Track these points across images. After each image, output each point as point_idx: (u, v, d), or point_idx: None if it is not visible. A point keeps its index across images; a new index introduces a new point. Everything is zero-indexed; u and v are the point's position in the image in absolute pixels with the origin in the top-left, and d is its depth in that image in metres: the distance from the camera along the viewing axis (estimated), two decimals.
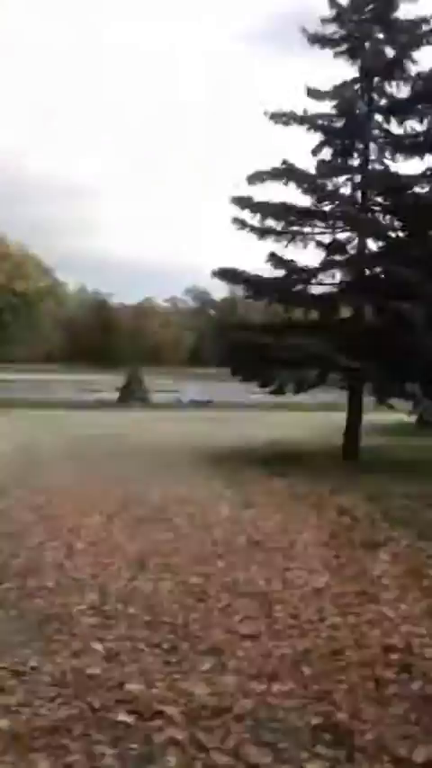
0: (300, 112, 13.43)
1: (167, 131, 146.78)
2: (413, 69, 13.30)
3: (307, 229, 13.79)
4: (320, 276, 13.97)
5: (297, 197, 13.58)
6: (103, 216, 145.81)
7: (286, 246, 13.71)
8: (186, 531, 7.40)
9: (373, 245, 13.96)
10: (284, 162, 13.35)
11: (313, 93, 13.67)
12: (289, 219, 13.62)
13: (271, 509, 8.64)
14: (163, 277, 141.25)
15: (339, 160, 13.95)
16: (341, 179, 13.87)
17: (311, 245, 13.77)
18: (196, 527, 7.60)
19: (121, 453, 13.89)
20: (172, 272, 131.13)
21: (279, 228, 13.62)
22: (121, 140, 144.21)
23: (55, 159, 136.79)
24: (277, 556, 6.45)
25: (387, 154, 13.79)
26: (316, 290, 14.18)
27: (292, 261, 13.81)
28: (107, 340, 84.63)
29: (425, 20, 13.02)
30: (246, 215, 13.41)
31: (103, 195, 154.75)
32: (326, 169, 13.74)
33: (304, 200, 13.67)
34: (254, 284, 14.18)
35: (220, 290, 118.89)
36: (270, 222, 13.53)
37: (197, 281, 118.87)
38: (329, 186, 13.80)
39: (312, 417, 24.44)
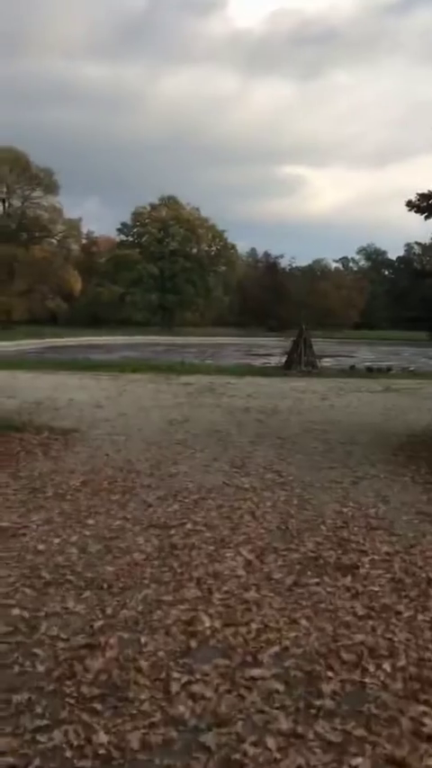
0: None
1: None
2: None
3: None
4: None
5: None
6: (274, 177, 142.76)
7: None
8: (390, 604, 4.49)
9: None
10: None
11: None
12: None
13: None
14: (335, 237, 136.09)
15: None
16: None
17: None
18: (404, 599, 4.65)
19: (282, 437, 11.18)
20: (344, 231, 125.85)
21: None
22: None
23: (235, 123, 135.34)
24: None
25: None
26: None
27: None
28: (277, 303, 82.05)
29: None
30: None
31: (276, 156, 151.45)
32: None
33: None
34: None
35: (395, 249, 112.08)
36: None
37: (371, 239, 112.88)
38: None
39: None
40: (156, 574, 4.88)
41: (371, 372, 27.57)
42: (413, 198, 10.96)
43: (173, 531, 5.83)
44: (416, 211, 10.97)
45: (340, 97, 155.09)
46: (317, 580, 4.79)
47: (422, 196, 10.64)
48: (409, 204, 10.94)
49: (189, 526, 5.99)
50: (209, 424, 12.42)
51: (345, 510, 6.70)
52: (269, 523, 6.14)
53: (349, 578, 4.83)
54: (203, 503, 6.84)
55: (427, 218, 11.00)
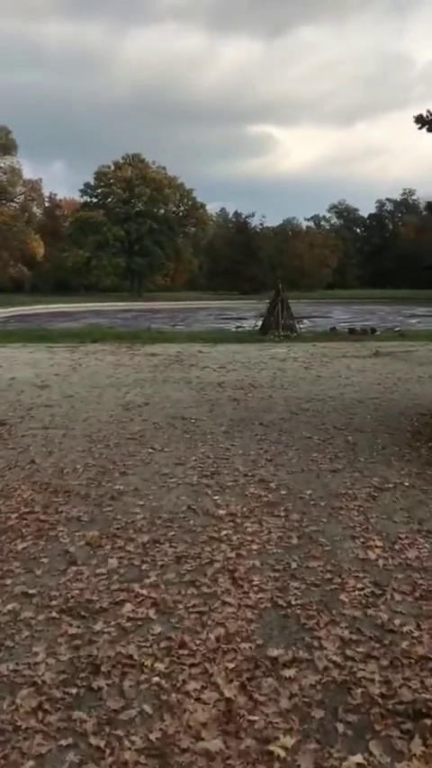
0: None
1: None
2: None
3: None
4: None
5: None
6: (243, 136, 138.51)
7: None
8: None
9: None
10: None
11: None
12: None
13: None
14: (306, 195, 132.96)
15: None
16: None
17: None
18: None
19: (265, 423, 8.85)
20: (315, 189, 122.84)
21: None
22: None
23: (202, 82, 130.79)
24: None
25: None
26: None
27: None
28: (249, 264, 79.23)
29: None
30: None
31: (245, 115, 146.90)
32: None
33: None
34: None
35: (367, 207, 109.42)
36: None
37: (342, 197, 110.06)
38: None
39: None
40: (53, 754, 2.54)
41: (354, 334, 25.30)
42: (424, 112, 8.50)
43: (98, 626, 3.48)
44: (428, 130, 8.54)
45: (308, 55, 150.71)
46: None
47: (419, 117, 8.21)
48: (420, 120, 8.50)
49: (128, 609, 3.66)
50: (174, 407, 10.05)
51: (371, 556, 4.40)
52: (258, 597, 3.81)
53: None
54: (156, 551, 4.49)
55: None
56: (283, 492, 5.82)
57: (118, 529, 4.90)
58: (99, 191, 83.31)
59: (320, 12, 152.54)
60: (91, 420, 9.04)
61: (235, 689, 2.88)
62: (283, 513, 5.25)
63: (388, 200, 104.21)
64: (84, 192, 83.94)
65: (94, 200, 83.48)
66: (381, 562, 4.31)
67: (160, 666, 3.07)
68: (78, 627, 3.46)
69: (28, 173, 77.97)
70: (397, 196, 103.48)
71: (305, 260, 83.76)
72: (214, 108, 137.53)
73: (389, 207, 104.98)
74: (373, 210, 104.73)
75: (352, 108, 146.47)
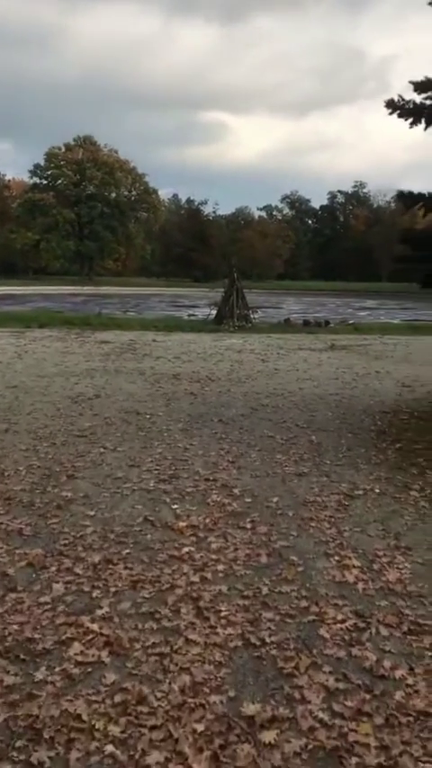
0: None
1: None
2: None
3: None
4: None
5: None
6: (197, 123, 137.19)
7: None
8: None
9: None
10: None
11: None
12: None
13: None
14: (258, 185, 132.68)
15: None
16: None
17: None
18: None
19: (224, 419, 8.37)
20: (268, 179, 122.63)
21: None
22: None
23: (156, 67, 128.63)
24: None
25: None
26: None
27: None
28: (201, 251, 78.53)
29: None
30: None
31: (199, 101, 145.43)
32: None
33: None
34: None
35: (319, 198, 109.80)
36: None
37: (295, 187, 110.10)
38: None
39: None
40: None
41: (308, 326, 25.05)
42: (395, 97, 8.05)
43: (40, 673, 2.93)
44: (399, 116, 8.11)
45: (264, 44, 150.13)
46: None
47: (420, 85, 7.73)
48: (391, 105, 8.06)
49: (76, 650, 3.12)
50: (127, 400, 9.48)
51: (349, 578, 3.96)
52: (227, 633, 3.31)
53: None
54: (108, 574, 3.95)
55: (413, 125, 8.16)
56: (247, 499, 5.34)
57: (65, 545, 4.34)
58: (49, 172, 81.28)
59: (278, 1, 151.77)
60: (36, 414, 8.39)
61: (206, 761, 2.38)
62: (249, 525, 4.77)
63: (339, 191, 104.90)
64: (33, 174, 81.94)
65: (44, 181, 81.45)
66: (360, 586, 3.87)
67: (115, 730, 2.56)
68: (17, 675, 2.91)
69: None
70: (348, 188, 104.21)
71: (257, 250, 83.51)
72: (168, 92, 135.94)
73: (340, 199, 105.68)
74: (325, 202, 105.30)
75: (305, 99, 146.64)
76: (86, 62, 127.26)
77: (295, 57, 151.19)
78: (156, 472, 6.03)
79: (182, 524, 4.74)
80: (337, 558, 4.26)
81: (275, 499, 5.35)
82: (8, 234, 74.34)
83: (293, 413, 8.91)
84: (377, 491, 5.66)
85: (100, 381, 11.14)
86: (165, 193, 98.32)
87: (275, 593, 3.76)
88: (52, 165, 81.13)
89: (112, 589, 3.75)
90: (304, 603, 3.63)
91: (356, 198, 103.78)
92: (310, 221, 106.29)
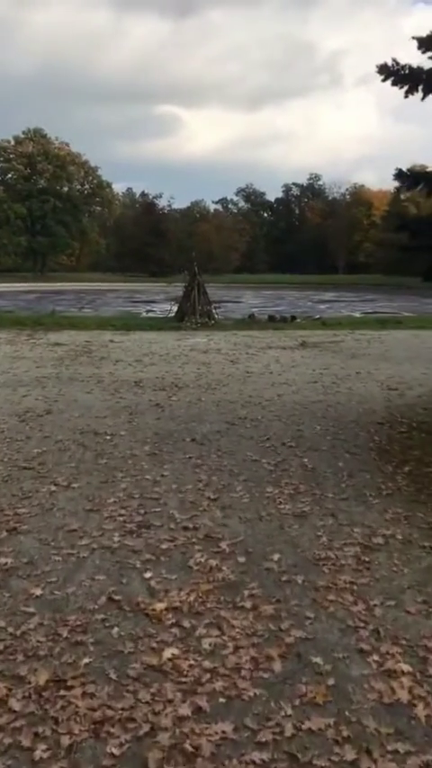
0: None
1: None
2: None
3: None
4: None
5: None
6: (150, 116, 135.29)
7: None
8: None
9: None
10: None
11: None
12: None
13: None
14: (213, 178, 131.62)
15: None
16: None
17: None
18: None
19: (198, 438, 7.17)
20: (223, 172, 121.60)
21: None
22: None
23: (108, 60, 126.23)
24: None
25: None
26: None
27: None
28: (157, 246, 76.88)
29: None
30: None
31: (152, 95, 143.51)
32: None
33: None
34: None
35: (273, 191, 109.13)
36: None
37: (250, 181, 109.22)
38: None
39: None
40: None
41: (274, 322, 23.95)
42: (388, 61, 6.94)
43: None
44: (393, 83, 7.00)
45: (217, 37, 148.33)
46: None
47: (425, 42, 6.62)
48: (385, 71, 6.95)
49: None
50: (84, 416, 8.20)
51: (402, 695, 2.80)
52: None
53: None
54: (58, 707, 2.72)
55: (408, 93, 7.06)
56: (241, 558, 4.15)
57: None
58: None
59: None
60: None
61: None
62: (249, 604, 3.59)
63: (294, 184, 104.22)
64: None
65: None
66: (421, 711, 2.72)
67: None
68: None
69: None
70: (303, 181, 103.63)
71: (213, 243, 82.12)
72: (120, 86, 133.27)
73: (295, 191, 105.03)
74: (280, 195, 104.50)
75: (259, 92, 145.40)
76: (37, 55, 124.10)
77: (248, 50, 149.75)
78: (120, 519, 4.80)
79: (159, 606, 3.53)
80: (376, 657, 3.11)
81: (276, 557, 4.18)
82: None
83: (276, 427, 7.76)
84: (400, 538, 4.53)
85: (52, 392, 9.83)
86: (119, 187, 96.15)
87: (304, 736, 2.58)
88: (1, 158, 78.45)
89: (65, 740, 2.53)
90: (350, 755, 2.47)
91: (311, 190, 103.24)
92: (265, 214, 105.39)
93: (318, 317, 26.57)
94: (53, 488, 5.46)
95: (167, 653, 3.10)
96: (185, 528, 4.64)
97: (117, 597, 3.64)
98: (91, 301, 40.87)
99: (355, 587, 3.81)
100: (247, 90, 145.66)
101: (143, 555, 4.19)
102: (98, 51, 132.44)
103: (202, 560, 4.11)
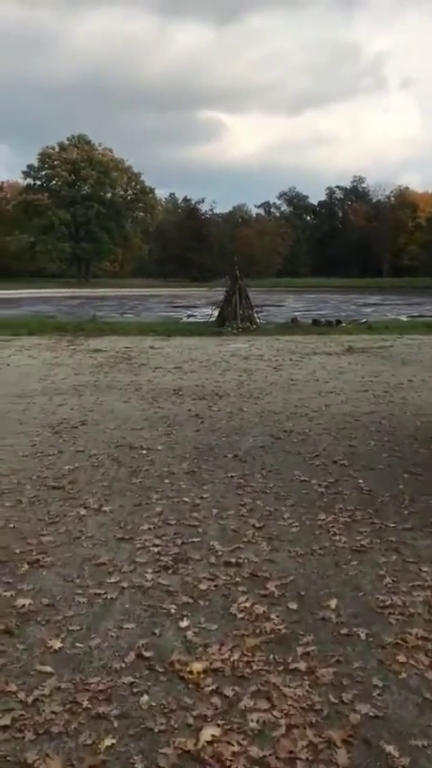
0: None
1: None
2: None
3: None
4: None
5: None
6: (193, 122, 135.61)
7: None
8: None
9: None
10: None
11: None
12: None
13: None
14: (256, 183, 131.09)
15: None
16: None
17: None
18: None
19: (240, 454, 6.61)
20: (265, 176, 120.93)
21: None
22: None
23: (152, 67, 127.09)
24: None
25: None
26: None
27: None
28: (198, 250, 76.70)
29: None
30: None
31: (195, 101, 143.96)
32: None
33: None
34: None
35: (317, 194, 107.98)
36: None
37: (292, 184, 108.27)
38: None
39: None
40: None
41: (318, 326, 23.25)
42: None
43: None
44: None
45: (259, 42, 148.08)
46: None
47: None
48: None
49: None
50: (119, 428, 7.73)
51: None
52: None
53: None
54: None
55: None
56: (292, 605, 3.58)
57: (4, 729, 2.58)
58: (43, 173, 79.45)
59: (273, 0, 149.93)
60: (5, 452, 6.64)
61: None
62: (303, 666, 3.01)
63: (338, 187, 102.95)
64: (27, 175, 79.98)
65: (38, 182, 79.57)
66: None
67: None
68: None
69: None
70: (347, 184, 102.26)
71: (255, 247, 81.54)
72: (163, 93, 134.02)
73: (338, 194, 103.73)
74: (323, 198, 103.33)
75: (301, 97, 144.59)
76: (82, 63, 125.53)
77: (290, 54, 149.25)
78: (155, 551, 4.27)
79: (197, 667, 2.98)
80: None
81: (333, 603, 3.59)
82: (2, 237, 72.46)
83: (326, 442, 7.16)
84: None
85: (89, 401, 9.41)
86: (161, 193, 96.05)
87: None
88: (46, 165, 79.29)
89: None
90: None
91: (355, 193, 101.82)
92: (308, 218, 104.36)
93: (364, 320, 25.75)
94: (83, 512, 4.97)
95: (206, 733, 2.55)
96: (227, 563, 4.09)
97: (148, 653, 3.10)
98: (133, 307, 40.78)
99: (429, 645, 3.20)
100: (290, 94, 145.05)
101: (179, 597, 3.65)
102: (142, 59, 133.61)
103: (247, 606, 3.55)
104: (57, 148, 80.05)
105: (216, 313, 23.54)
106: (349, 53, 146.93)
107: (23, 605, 3.53)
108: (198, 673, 2.94)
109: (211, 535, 4.55)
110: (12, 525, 4.69)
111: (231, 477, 5.88)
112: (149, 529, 4.64)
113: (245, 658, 3.07)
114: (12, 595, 3.64)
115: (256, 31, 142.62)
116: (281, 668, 3.01)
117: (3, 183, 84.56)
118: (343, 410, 8.86)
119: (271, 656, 3.10)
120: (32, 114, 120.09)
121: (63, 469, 6.06)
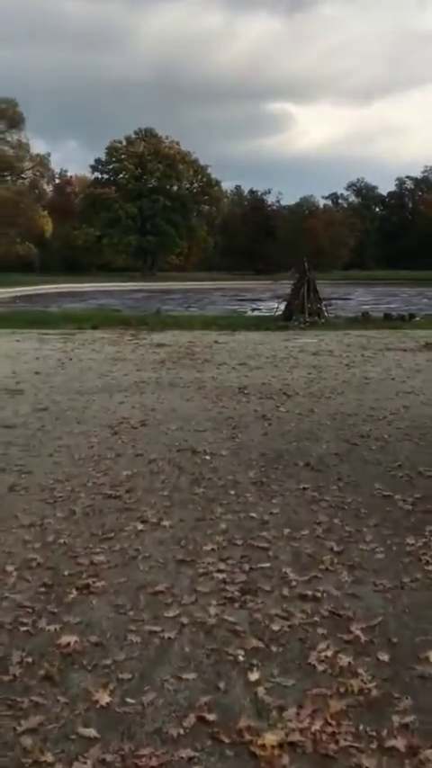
0: None
1: None
2: None
3: None
4: None
5: None
6: (261, 114, 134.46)
7: None
8: None
9: None
10: None
11: None
12: None
13: None
14: (323, 173, 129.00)
15: None
16: None
17: None
18: None
19: (312, 461, 6.02)
20: (333, 167, 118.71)
21: None
22: None
23: (220, 59, 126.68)
24: None
25: None
26: None
27: None
28: (264, 243, 75.84)
29: None
30: None
31: (263, 92, 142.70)
32: None
33: None
34: None
35: (386, 185, 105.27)
36: None
37: (361, 174, 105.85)
38: None
39: None
40: None
41: (390, 321, 22.29)
42: None
43: None
44: None
45: (327, 31, 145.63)
46: None
47: None
48: None
49: None
50: (181, 429, 7.25)
51: None
52: None
53: None
54: None
55: None
56: (382, 656, 2.99)
57: None
58: (111, 166, 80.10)
59: None
60: (60, 455, 6.26)
61: None
62: (401, 744, 2.43)
63: (408, 177, 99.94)
64: (95, 168, 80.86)
65: (106, 176, 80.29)
66: None
67: None
68: None
69: (42, 151, 74.90)
70: (417, 173, 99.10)
71: (322, 239, 79.90)
72: (231, 85, 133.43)
73: (409, 185, 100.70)
74: (393, 188, 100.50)
75: (371, 86, 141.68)
76: (151, 58, 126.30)
77: (361, 43, 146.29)
78: (219, 577, 3.75)
79: (270, 739, 2.44)
80: None
81: None
82: (70, 230, 73.43)
83: (408, 449, 6.49)
84: None
85: (150, 399, 8.98)
86: (227, 185, 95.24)
87: None
88: (113, 158, 79.90)
89: None
90: None
91: (426, 183, 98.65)
92: (377, 209, 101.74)
93: (410, 313, 24.53)
94: (140, 526, 4.49)
95: None
96: (303, 597, 3.53)
97: (210, 716, 2.58)
98: (197, 300, 40.48)
99: None
100: (360, 83, 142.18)
101: (248, 640, 3.11)
102: (210, 51, 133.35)
103: (329, 655, 2.99)
104: (124, 142, 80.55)
105: (282, 306, 22.90)
106: (422, 40, 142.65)
107: (68, 643, 3.06)
108: (272, 747, 2.41)
109: (283, 560, 3.99)
110: (62, 540, 4.25)
111: (304, 489, 5.30)
112: (213, 550, 4.12)
113: (329, 728, 2.51)
114: (56, 630, 3.18)
115: (326, 19, 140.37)
116: (374, 744, 2.44)
117: (71, 177, 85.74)
118: (424, 413, 8.15)
119: (360, 727, 2.53)
120: (101, 109, 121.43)
121: (121, 476, 5.61)
